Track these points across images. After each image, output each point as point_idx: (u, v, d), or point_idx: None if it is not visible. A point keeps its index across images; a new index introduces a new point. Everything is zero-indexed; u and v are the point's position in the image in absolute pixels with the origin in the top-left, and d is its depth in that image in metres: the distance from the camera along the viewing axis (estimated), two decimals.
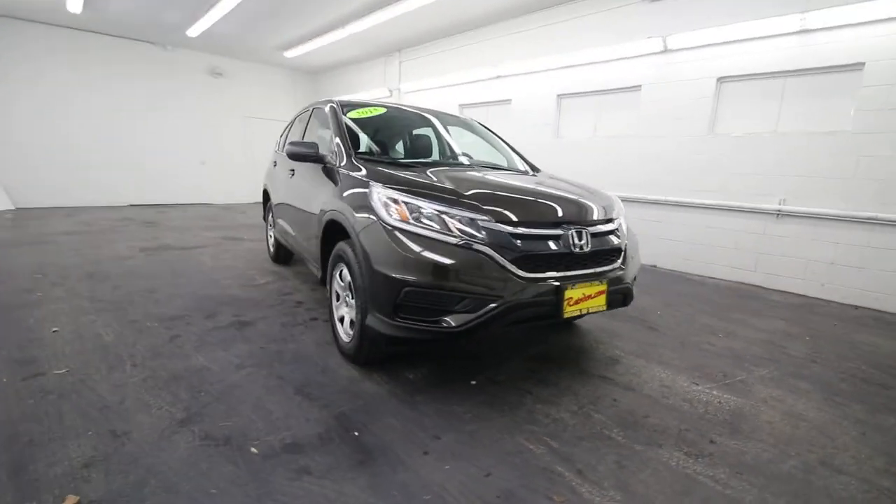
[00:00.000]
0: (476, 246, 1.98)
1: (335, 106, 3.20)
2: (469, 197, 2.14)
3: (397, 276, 1.96)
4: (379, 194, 2.16)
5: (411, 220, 2.03)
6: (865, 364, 2.85)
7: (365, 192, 2.26)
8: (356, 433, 1.86)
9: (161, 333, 2.81)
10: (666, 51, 5.16)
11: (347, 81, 10.67)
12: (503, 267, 1.98)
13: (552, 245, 2.12)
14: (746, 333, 3.32)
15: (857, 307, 4.11)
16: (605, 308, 2.24)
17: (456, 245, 1.97)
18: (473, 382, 2.36)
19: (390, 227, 2.04)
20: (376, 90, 9.64)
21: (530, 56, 6.50)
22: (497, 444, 1.84)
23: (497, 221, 2.04)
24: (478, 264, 1.96)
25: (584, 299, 2.12)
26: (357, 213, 2.22)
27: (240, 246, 5.74)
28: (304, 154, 2.89)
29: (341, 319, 2.59)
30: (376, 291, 2.05)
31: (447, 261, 1.94)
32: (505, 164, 3.42)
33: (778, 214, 4.58)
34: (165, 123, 9.56)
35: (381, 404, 2.10)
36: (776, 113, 4.54)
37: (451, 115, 3.80)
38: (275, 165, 4.54)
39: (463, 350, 2.75)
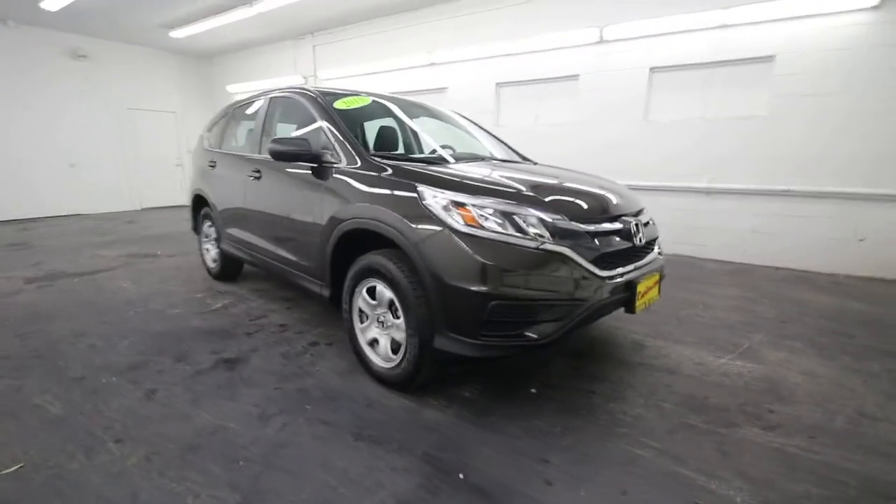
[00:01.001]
0: (556, 248, 1.83)
1: (316, 95, 2.76)
2: (535, 195, 1.97)
3: (482, 289, 1.73)
4: (436, 198, 1.88)
5: (484, 226, 1.81)
6: (822, 318, 3.32)
7: (411, 196, 1.96)
8: (460, 475, 1.63)
9: (130, 390, 2.19)
10: (602, 41, 5.43)
11: (250, 67, 9.54)
12: (584, 267, 1.87)
13: (620, 240, 2.06)
14: (718, 302, 3.66)
15: (777, 268, 4.81)
16: (658, 298, 2.26)
17: (536, 249, 1.80)
18: (533, 391, 2.23)
19: (463, 235, 1.79)
20: (287, 77, 8.75)
21: (467, 43, 6.38)
22: (605, 455, 1.75)
23: (571, 220, 1.92)
24: (562, 268, 1.82)
25: (647, 291, 2.11)
26: (412, 221, 1.91)
27: (159, 264, 4.81)
28: (294, 153, 2.44)
29: (371, 343, 2.26)
30: (452, 309, 1.80)
31: (534, 268, 1.77)
32: (507, 157, 3.29)
33: (708, 192, 5.14)
34: (14, 118, 7.59)
35: (459, 434, 1.88)
36: (703, 100, 5.05)
37: (432, 107, 3.53)
38: (212, 166, 3.84)
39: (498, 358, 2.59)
